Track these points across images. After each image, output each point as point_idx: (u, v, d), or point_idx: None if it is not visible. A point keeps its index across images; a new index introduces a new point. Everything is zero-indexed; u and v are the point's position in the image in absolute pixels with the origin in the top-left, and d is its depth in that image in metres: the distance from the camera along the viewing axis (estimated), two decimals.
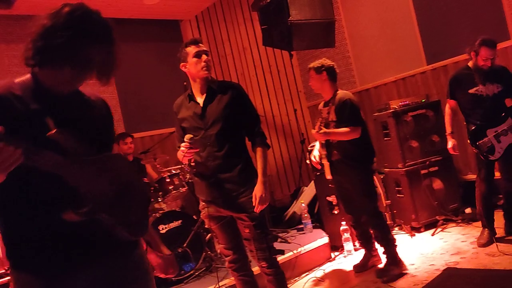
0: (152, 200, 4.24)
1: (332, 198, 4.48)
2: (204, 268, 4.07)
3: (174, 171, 4.42)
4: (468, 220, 4.37)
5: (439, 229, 4.36)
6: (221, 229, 2.77)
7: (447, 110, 3.93)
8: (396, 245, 3.54)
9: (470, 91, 3.68)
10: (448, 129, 3.91)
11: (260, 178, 2.62)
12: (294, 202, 5.48)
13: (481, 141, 3.62)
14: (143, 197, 1.57)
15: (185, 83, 5.48)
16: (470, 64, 3.76)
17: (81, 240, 1.35)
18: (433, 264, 3.54)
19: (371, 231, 3.67)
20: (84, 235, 1.35)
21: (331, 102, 3.54)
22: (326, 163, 3.62)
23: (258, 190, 2.59)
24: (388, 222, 4.52)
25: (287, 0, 4.14)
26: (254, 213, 2.60)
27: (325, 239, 4.30)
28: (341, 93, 3.56)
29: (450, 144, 3.89)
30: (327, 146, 3.59)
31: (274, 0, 4.29)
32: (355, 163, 3.51)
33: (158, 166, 4.66)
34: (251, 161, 2.76)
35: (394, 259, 3.51)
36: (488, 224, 3.74)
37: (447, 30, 5.04)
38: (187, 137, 2.57)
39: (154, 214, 4.11)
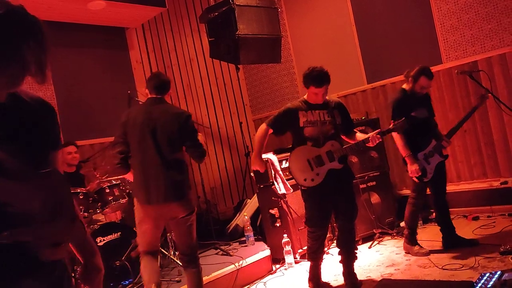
0: (90, 211, 4.08)
1: (274, 211, 4.54)
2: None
3: (114, 182, 4.28)
4: (403, 233, 4.56)
5: (375, 242, 4.53)
6: None
7: (396, 134, 3.74)
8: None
9: (413, 114, 3.75)
10: (408, 151, 3.76)
11: None
12: (237, 214, 5.48)
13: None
14: (70, 216, 1.46)
15: (129, 92, 5.35)
16: (405, 87, 3.88)
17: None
18: (369, 276, 3.67)
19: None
20: (3, 257, 1.21)
21: (329, 105, 3.40)
22: (337, 166, 3.36)
23: None
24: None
25: (235, 14, 4.21)
26: None
27: (266, 252, 4.32)
28: (332, 96, 3.56)
29: (414, 167, 3.72)
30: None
31: (222, 13, 4.33)
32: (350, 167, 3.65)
33: (97, 175, 4.49)
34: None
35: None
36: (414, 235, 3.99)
37: (386, 52, 5.32)
38: None
39: (92, 226, 3.95)
